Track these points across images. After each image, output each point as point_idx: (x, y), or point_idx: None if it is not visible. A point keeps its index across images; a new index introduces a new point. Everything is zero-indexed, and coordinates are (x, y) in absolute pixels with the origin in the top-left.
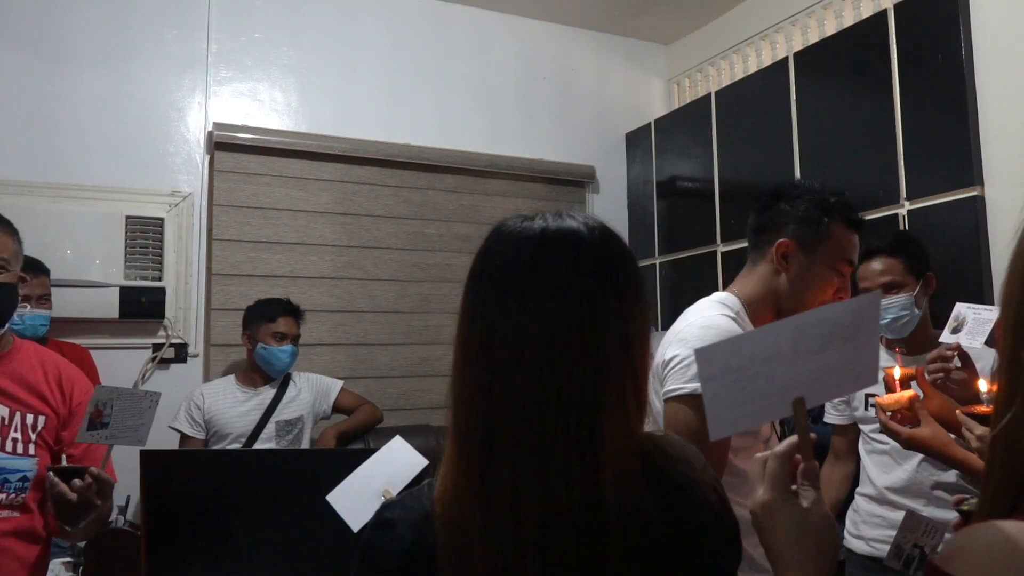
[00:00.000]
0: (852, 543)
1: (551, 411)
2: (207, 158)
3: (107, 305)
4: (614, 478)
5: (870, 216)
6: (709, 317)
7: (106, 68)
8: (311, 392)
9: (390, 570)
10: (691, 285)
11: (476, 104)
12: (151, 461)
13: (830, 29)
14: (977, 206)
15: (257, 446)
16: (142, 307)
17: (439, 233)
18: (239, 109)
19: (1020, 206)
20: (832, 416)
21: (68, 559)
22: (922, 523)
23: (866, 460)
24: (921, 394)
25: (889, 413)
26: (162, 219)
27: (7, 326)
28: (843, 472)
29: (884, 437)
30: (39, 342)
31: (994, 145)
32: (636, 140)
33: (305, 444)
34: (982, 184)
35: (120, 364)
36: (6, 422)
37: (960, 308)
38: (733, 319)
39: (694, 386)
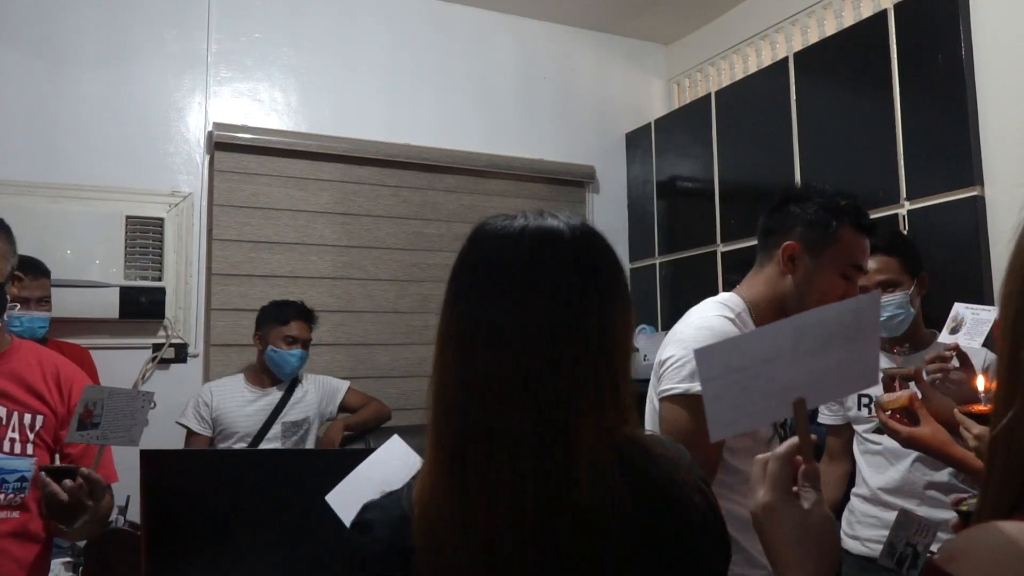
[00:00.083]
0: (847, 543)
1: (526, 409)
2: (207, 158)
3: (107, 305)
4: (588, 477)
5: (870, 216)
6: (706, 318)
7: (106, 68)
8: (318, 393)
9: (368, 571)
10: (691, 285)
11: (476, 104)
12: (151, 461)
13: (830, 29)
14: (977, 206)
15: (263, 446)
16: (142, 307)
17: (439, 233)
18: (239, 109)
19: (1020, 206)
20: (826, 417)
21: (68, 559)
22: (915, 522)
23: (860, 461)
24: (920, 394)
25: (888, 412)
26: (162, 219)
27: None
28: (839, 472)
29: (877, 437)
30: (39, 343)
31: (994, 145)
32: (636, 140)
33: (310, 445)
34: (982, 184)
35: (120, 364)
36: (3, 422)
37: (958, 308)
38: (731, 320)
39: (687, 386)
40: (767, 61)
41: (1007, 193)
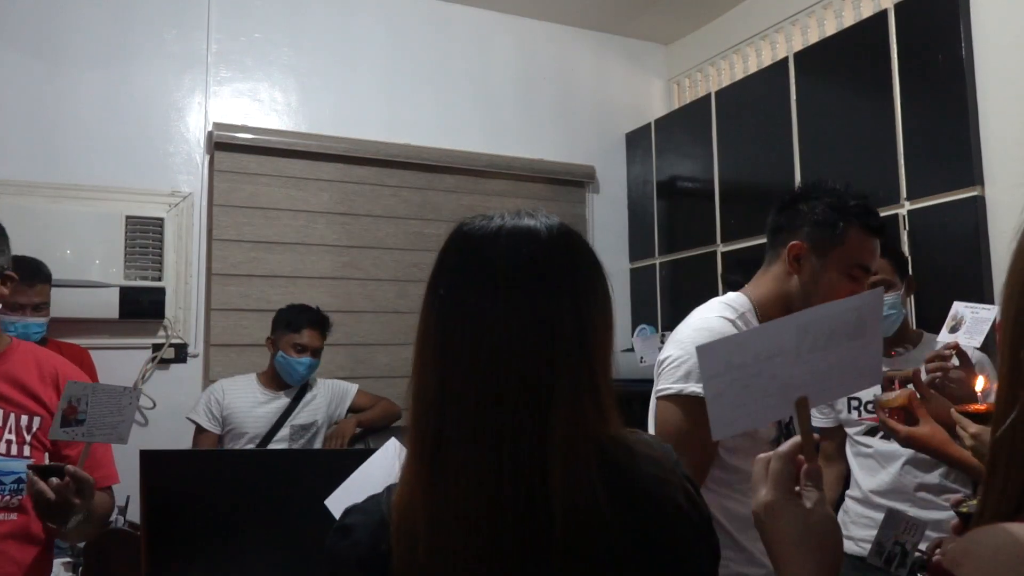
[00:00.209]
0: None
1: (502, 408)
2: (207, 158)
3: (107, 305)
4: (564, 475)
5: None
6: (705, 319)
7: (106, 68)
8: (327, 397)
9: (346, 575)
10: (691, 285)
11: (476, 104)
12: (151, 461)
13: (830, 29)
14: (977, 206)
15: (271, 448)
16: (142, 307)
17: (439, 233)
18: (239, 109)
19: (1020, 206)
20: (817, 419)
21: (68, 559)
22: (903, 521)
23: (852, 463)
24: (918, 395)
25: (887, 411)
26: (162, 219)
27: None
28: (834, 474)
29: (868, 440)
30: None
31: (994, 145)
32: (636, 140)
33: (318, 447)
34: (982, 184)
35: (120, 364)
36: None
37: (958, 307)
38: (731, 321)
39: (681, 386)
40: (767, 61)
41: (1007, 193)
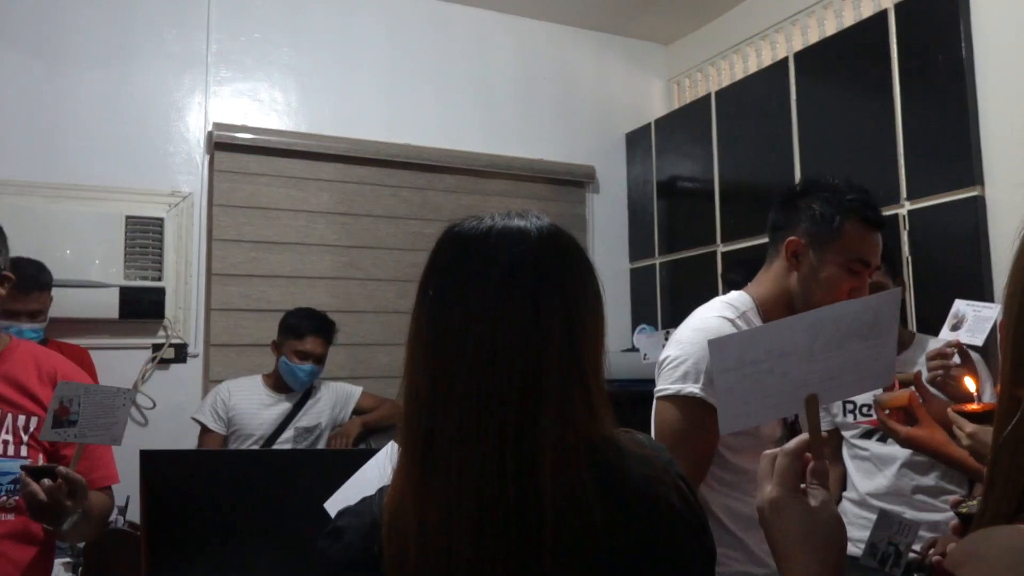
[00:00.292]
0: None
1: (493, 408)
2: (207, 158)
3: (107, 305)
4: (554, 475)
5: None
6: (703, 319)
7: (106, 68)
8: (332, 399)
9: None
10: (691, 285)
11: (476, 104)
12: (151, 461)
13: (830, 29)
14: (977, 206)
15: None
16: (142, 307)
17: (439, 233)
18: (239, 109)
19: (1020, 206)
20: None
21: (68, 559)
22: (896, 522)
23: (849, 465)
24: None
25: (887, 411)
26: (162, 219)
27: None
28: (834, 475)
29: (865, 443)
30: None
31: (994, 145)
32: (636, 140)
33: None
34: (982, 184)
35: (120, 364)
36: None
37: (959, 305)
38: (731, 321)
39: (679, 387)
40: (767, 61)
41: (1007, 193)
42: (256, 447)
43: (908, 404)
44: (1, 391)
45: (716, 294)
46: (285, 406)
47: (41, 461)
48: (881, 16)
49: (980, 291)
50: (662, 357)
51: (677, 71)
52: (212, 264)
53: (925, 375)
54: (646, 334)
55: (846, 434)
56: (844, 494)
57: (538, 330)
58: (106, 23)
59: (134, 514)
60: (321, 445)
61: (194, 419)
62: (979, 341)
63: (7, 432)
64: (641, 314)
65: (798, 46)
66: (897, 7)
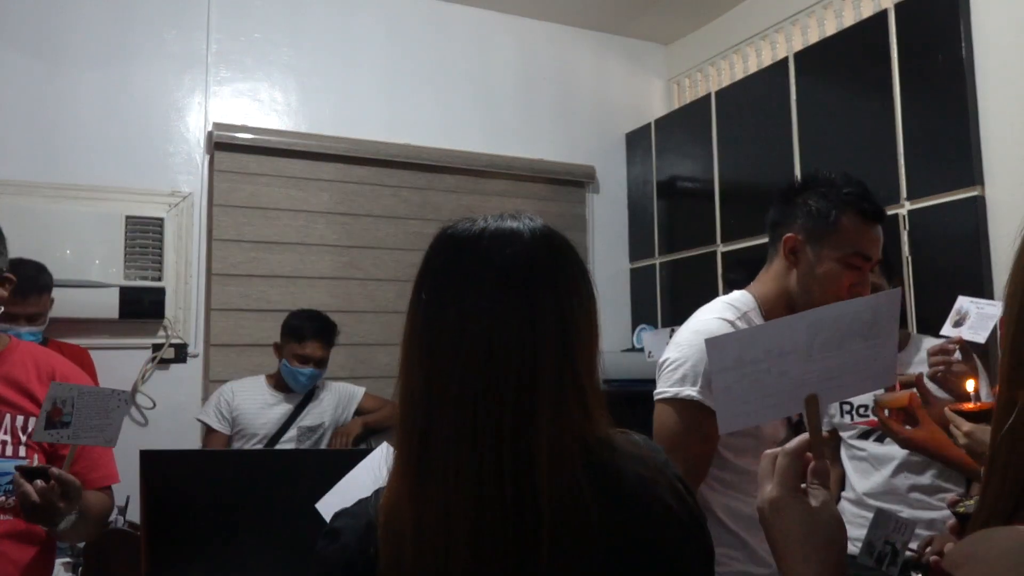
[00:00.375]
0: None
1: (488, 408)
2: (207, 158)
3: (107, 305)
4: (550, 474)
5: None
6: (703, 321)
7: (106, 68)
8: (335, 399)
9: None
10: (691, 285)
11: (476, 104)
12: (151, 461)
13: (830, 29)
14: (977, 206)
15: (278, 449)
16: (142, 307)
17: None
18: (239, 109)
19: (1020, 206)
20: None
21: (68, 559)
22: (892, 520)
23: (847, 465)
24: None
25: (888, 412)
26: (162, 219)
27: None
28: (832, 476)
29: (862, 443)
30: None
31: (994, 145)
32: (636, 140)
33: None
34: (982, 184)
35: (120, 364)
36: None
37: (962, 301)
38: (730, 322)
39: (677, 390)
40: (767, 61)
41: (1007, 193)
42: (260, 447)
43: (908, 405)
44: (0, 391)
45: (716, 294)
46: (288, 406)
47: (38, 461)
48: (881, 16)
49: (980, 291)
50: (662, 359)
51: (677, 71)
52: (212, 264)
53: (926, 374)
54: (651, 332)
55: (844, 434)
56: (842, 494)
57: (533, 330)
58: (106, 23)
59: (134, 514)
60: (324, 444)
61: (198, 420)
62: (981, 339)
63: (5, 432)
64: (641, 314)
65: (798, 46)
66: (897, 7)
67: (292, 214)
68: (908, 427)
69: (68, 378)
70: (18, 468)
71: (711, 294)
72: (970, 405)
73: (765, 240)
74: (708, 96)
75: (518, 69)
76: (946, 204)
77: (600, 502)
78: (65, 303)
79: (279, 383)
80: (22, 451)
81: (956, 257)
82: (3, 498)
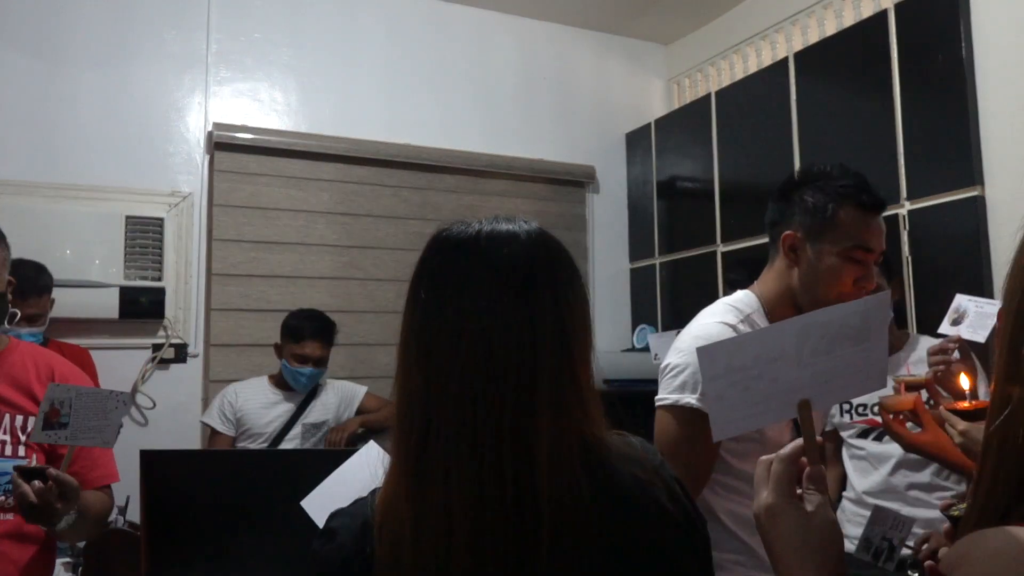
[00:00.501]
0: None
1: (485, 408)
2: (207, 158)
3: (107, 305)
4: (550, 474)
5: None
6: (704, 325)
7: (106, 68)
8: (337, 397)
9: None
10: (691, 285)
11: (476, 104)
12: (151, 461)
13: (830, 29)
14: (977, 206)
15: (283, 447)
16: (142, 307)
17: None
18: (239, 109)
19: (1020, 206)
20: None
21: (68, 559)
22: (890, 517)
23: (847, 464)
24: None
25: (892, 415)
26: (162, 219)
27: None
28: (833, 475)
29: (861, 443)
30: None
31: (994, 145)
32: (636, 140)
33: None
34: (982, 184)
35: (120, 364)
36: None
37: (961, 300)
38: (732, 327)
39: (677, 396)
40: (767, 61)
41: (1007, 193)
42: (264, 445)
43: (913, 408)
44: (0, 391)
45: (716, 294)
46: (291, 404)
47: (37, 461)
48: (881, 16)
49: (980, 291)
50: (663, 365)
51: (677, 71)
52: (212, 264)
53: (926, 374)
54: (658, 335)
55: (843, 434)
56: (843, 493)
57: (532, 329)
58: (106, 23)
59: (134, 514)
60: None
61: (203, 422)
62: (981, 338)
63: (5, 432)
64: (641, 314)
65: (798, 46)
66: (897, 7)
67: (292, 214)
68: (913, 431)
69: (68, 378)
70: (16, 468)
71: (711, 294)
72: (965, 404)
73: (765, 240)
74: (708, 96)
75: (518, 69)
76: (946, 204)
77: (597, 502)
78: (65, 303)
79: (281, 381)
80: (22, 451)
81: (956, 257)
82: (3, 498)
